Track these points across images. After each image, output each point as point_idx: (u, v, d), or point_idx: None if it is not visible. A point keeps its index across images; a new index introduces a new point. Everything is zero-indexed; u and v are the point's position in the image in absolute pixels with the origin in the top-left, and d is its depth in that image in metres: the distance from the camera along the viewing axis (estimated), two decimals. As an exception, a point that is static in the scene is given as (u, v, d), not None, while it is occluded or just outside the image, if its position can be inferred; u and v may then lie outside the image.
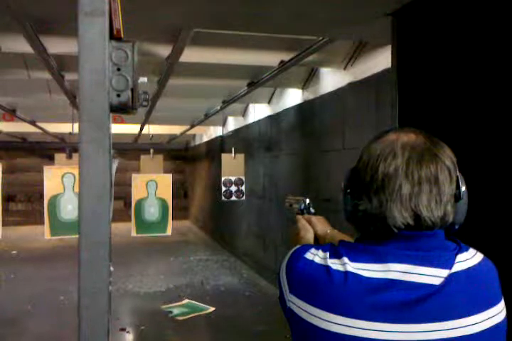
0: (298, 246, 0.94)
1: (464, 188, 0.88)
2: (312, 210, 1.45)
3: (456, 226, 0.89)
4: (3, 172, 5.40)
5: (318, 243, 1.37)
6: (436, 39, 1.75)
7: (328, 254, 0.86)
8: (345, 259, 0.83)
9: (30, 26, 2.87)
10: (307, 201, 1.45)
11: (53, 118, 7.39)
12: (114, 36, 0.71)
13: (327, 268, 0.84)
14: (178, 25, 2.81)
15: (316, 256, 0.87)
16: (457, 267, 0.83)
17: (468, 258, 0.85)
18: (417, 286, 0.80)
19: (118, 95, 0.70)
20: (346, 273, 0.82)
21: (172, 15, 2.54)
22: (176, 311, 5.14)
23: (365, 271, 0.82)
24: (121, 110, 0.72)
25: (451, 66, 1.72)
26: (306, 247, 0.91)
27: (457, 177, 0.87)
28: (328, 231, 1.38)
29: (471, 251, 0.87)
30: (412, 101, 1.75)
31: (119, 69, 0.69)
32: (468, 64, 1.66)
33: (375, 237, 0.86)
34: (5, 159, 10.29)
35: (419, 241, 0.84)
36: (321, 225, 1.41)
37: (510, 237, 1.49)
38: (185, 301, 5.49)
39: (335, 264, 0.84)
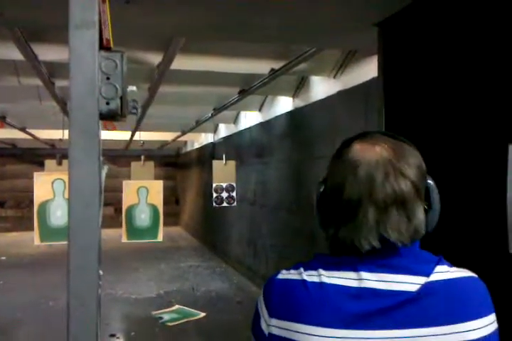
0: None
1: (436, 197, 0.87)
2: None
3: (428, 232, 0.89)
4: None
5: None
6: (421, 48, 1.80)
7: (302, 269, 0.87)
8: (321, 270, 0.85)
9: (21, 33, 2.90)
10: None
11: (44, 124, 7.37)
12: (103, 46, 0.73)
13: (302, 281, 0.85)
14: (169, 34, 2.84)
15: (288, 274, 0.89)
16: (436, 276, 0.83)
17: (450, 271, 0.85)
18: (393, 293, 0.81)
19: (107, 103, 0.72)
20: (322, 283, 0.83)
21: (163, 25, 2.57)
22: (166, 317, 5.12)
23: (340, 280, 0.83)
24: (111, 117, 0.74)
25: (435, 74, 1.76)
26: (276, 272, 0.92)
27: (426, 188, 0.86)
28: None
29: (455, 268, 0.86)
30: (398, 108, 1.79)
31: (108, 78, 0.72)
32: (452, 72, 1.71)
33: (344, 254, 0.87)
34: (-5, 165, 10.23)
35: (390, 254, 0.84)
36: None
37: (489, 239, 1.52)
38: (176, 307, 5.48)
39: (310, 276, 0.85)
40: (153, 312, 5.26)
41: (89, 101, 0.69)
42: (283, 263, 5.47)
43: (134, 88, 0.78)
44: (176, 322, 4.96)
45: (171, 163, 13.24)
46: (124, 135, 8.32)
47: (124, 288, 6.34)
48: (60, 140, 6.82)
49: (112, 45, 0.74)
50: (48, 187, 5.29)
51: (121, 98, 0.74)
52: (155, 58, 3.60)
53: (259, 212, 6.43)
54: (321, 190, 0.90)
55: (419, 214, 0.84)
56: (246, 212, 6.93)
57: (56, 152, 6.92)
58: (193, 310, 5.36)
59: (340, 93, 4.24)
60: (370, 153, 0.83)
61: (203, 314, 5.21)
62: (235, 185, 6.21)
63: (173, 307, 5.47)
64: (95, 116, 0.69)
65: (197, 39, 3.06)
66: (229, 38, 2.93)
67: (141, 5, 2.11)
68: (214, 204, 6.17)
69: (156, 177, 6.85)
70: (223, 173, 6.18)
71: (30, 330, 4.73)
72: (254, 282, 6.47)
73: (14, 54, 3.28)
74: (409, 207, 0.83)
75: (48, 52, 3.48)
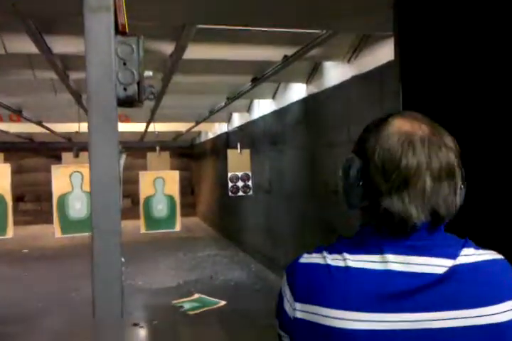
0: None
1: (464, 177, 0.87)
2: None
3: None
4: (11, 173, 5.46)
5: None
6: (439, 29, 1.76)
7: (325, 253, 0.86)
8: (346, 254, 0.84)
9: (35, 26, 2.90)
10: None
11: (59, 117, 7.43)
12: (119, 31, 0.73)
13: (327, 265, 0.84)
14: (182, 21, 2.83)
15: (310, 258, 0.88)
16: (463, 259, 0.82)
17: (477, 254, 0.84)
18: (418, 275, 0.80)
19: (125, 89, 0.72)
20: (347, 268, 0.82)
21: (175, 12, 2.55)
22: (187, 306, 5.18)
23: (365, 263, 0.82)
24: (128, 103, 0.74)
25: (454, 56, 1.72)
26: (298, 257, 0.91)
27: (462, 168, 0.87)
28: None
29: (482, 250, 0.86)
30: (416, 92, 1.75)
31: (125, 64, 0.71)
32: (471, 53, 1.67)
33: (384, 228, 0.85)
34: (13, 160, 10.37)
35: (423, 234, 0.83)
36: None
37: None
38: (197, 296, 5.54)
39: (335, 260, 0.84)
40: (174, 302, 5.32)
41: (106, 87, 0.68)
42: (300, 250, 5.45)
43: (151, 73, 0.78)
44: (197, 311, 5.02)
45: (186, 153, 13.28)
46: (138, 127, 8.36)
47: (144, 278, 6.41)
48: (77, 133, 6.87)
49: (127, 29, 0.74)
50: (66, 179, 5.35)
51: (138, 83, 0.73)
52: (167, 48, 3.59)
53: (275, 200, 6.43)
54: (357, 163, 0.86)
55: (460, 190, 0.85)
56: (262, 200, 6.93)
57: (73, 145, 6.98)
58: (212, 298, 5.40)
59: (354, 78, 4.19)
60: (419, 129, 0.84)
61: (223, 302, 5.25)
62: (250, 174, 6.21)
63: (194, 296, 5.52)
64: (113, 102, 0.69)
65: (210, 26, 3.03)
66: (243, 24, 2.90)
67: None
68: (230, 193, 6.19)
69: (172, 168, 6.89)
70: (238, 162, 6.19)
71: (53, 320, 4.83)
72: (273, 270, 6.49)
73: (28, 47, 3.29)
74: (456, 181, 0.84)
75: (62, 45, 3.49)
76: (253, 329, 4.46)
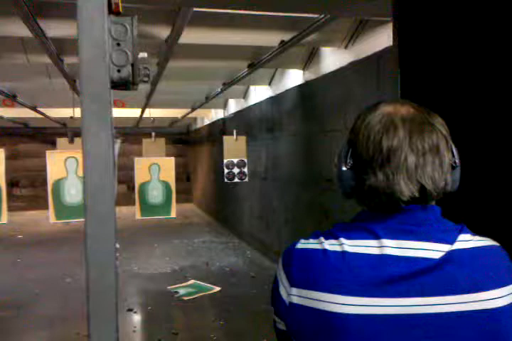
0: None
1: (457, 156, 0.90)
2: None
3: (451, 192, 0.90)
4: (6, 158, 5.42)
5: None
6: (439, 14, 1.73)
7: (322, 238, 0.86)
8: (342, 239, 0.84)
9: (28, 9, 2.85)
10: None
11: (54, 102, 7.37)
12: (112, 11, 0.70)
13: (324, 250, 0.84)
14: (177, 4, 2.78)
15: (307, 244, 0.88)
16: (459, 245, 0.82)
17: (473, 240, 0.84)
18: (415, 260, 0.80)
19: (118, 70, 0.70)
20: (344, 252, 0.82)
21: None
22: (182, 291, 5.20)
23: (362, 248, 0.82)
24: (122, 86, 0.72)
25: (454, 42, 1.70)
26: (294, 242, 0.91)
27: (451, 146, 0.88)
28: None
29: (478, 237, 0.86)
30: (415, 78, 1.74)
31: (118, 45, 0.69)
32: (472, 39, 1.65)
33: (377, 210, 0.87)
34: (7, 145, 10.30)
35: (415, 215, 0.84)
36: None
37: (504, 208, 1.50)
38: (191, 281, 5.56)
39: (332, 245, 0.84)
40: (169, 287, 5.34)
41: (99, 68, 0.66)
42: (296, 237, 5.48)
43: (145, 55, 0.76)
44: (192, 297, 5.04)
45: (182, 140, 13.24)
46: (133, 112, 8.30)
47: (140, 264, 6.43)
48: (71, 118, 6.82)
49: (121, 9, 0.71)
50: (61, 165, 5.32)
51: (132, 65, 0.71)
52: (163, 32, 3.54)
53: (271, 186, 6.43)
54: (347, 147, 0.90)
55: (448, 166, 0.87)
56: (257, 187, 6.93)
57: (68, 130, 6.93)
58: (208, 284, 5.43)
59: (352, 64, 4.16)
60: (403, 109, 0.87)
61: (217, 288, 5.28)
62: (246, 160, 6.19)
63: (189, 282, 5.55)
64: (106, 84, 0.67)
65: (206, 10, 2.99)
66: (239, 7, 2.86)
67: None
68: (225, 179, 6.18)
69: (167, 155, 6.86)
70: (234, 149, 6.17)
71: (48, 306, 4.84)
72: (268, 256, 6.53)
73: (21, 31, 3.24)
74: (442, 156, 0.85)
75: (55, 29, 3.43)
76: (247, 315, 4.49)
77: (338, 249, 0.83)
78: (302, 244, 0.89)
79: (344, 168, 0.89)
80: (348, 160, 0.89)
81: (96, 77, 0.66)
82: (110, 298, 0.65)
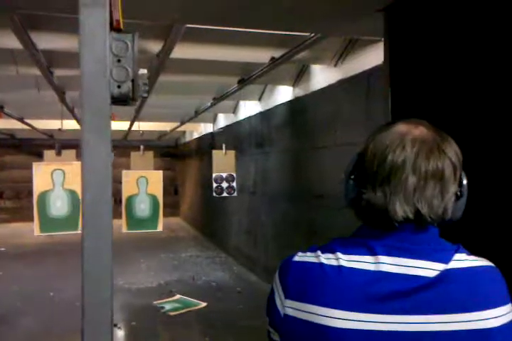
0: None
1: (466, 187, 0.89)
2: None
3: (452, 221, 0.89)
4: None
5: None
6: (429, 33, 1.77)
7: (319, 252, 0.87)
8: (339, 254, 0.84)
9: (19, 21, 2.85)
10: None
11: (42, 114, 7.33)
12: (113, 27, 0.71)
13: (320, 264, 0.85)
14: (169, 21, 2.81)
15: (304, 257, 0.88)
16: (455, 264, 0.83)
17: (468, 260, 0.85)
18: (410, 278, 0.81)
19: (119, 86, 0.71)
20: (340, 267, 0.83)
21: (163, 11, 2.53)
22: (167, 306, 5.14)
23: (358, 263, 0.83)
24: (122, 101, 0.73)
25: (444, 60, 1.74)
26: (292, 254, 0.92)
27: (460, 174, 0.88)
28: None
29: (474, 256, 0.87)
30: (406, 96, 1.77)
31: (119, 61, 0.70)
32: (461, 58, 1.69)
33: (373, 226, 0.87)
34: (-7, 156, 10.19)
35: (413, 235, 0.85)
36: None
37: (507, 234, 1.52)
38: (178, 296, 5.50)
39: (328, 259, 0.85)
40: (155, 302, 5.28)
41: (100, 84, 0.67)
42: (283, 252, 5.47)
43: (145, 71, 0.77)
44: (177, 312, 4.98)
45: (170, 153, 13.21)
46: (122, 125, 8.28)
47: (125, 278, 6.35)
48: (59, 130, 6.78)
49: (122, 26, 0.73)
50: (48, 177, 5.27)
51: (132, 81, 0.72)
52: (155, 47, 3.56)
53: (259, 202, 6.43)
54: (356, 159, 0.91)
55: (451, 195, 0.86)
56: (246, 202, 6.92)
57: (55, 142, 6.88)
58: (193, 299, 5.37)
59: (341, 82, 4.21)
60: (416, 130, 0.87)
61: (203, 304, 5.22)
62: (235, 175, 6.19)
63: (175, 297, 5.48)
64: (107, 100, 0.68)
65: (198, 26, 3.02)
66: (230, 24, 2.90)
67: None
68: (214, 194, 6.16)
69: (155, 168, 6.83)
70: (223, 163, 6.17)
71: (31, 320, 4.74)
72: (254, 272, 6.49)
73: (12, 42, 3.24)
74: (445, 185, 0.84)
75: (46, 41, 3.44)
76: (233, 331, 4.44)
77: (334, 263, 0.84)
78: (299, 257, 0.89)
79: (348, 178, 0.91)
80: (354, 171, 0.90)
81: (97, 92, 0.67)
82: (106, 311, 0.65)
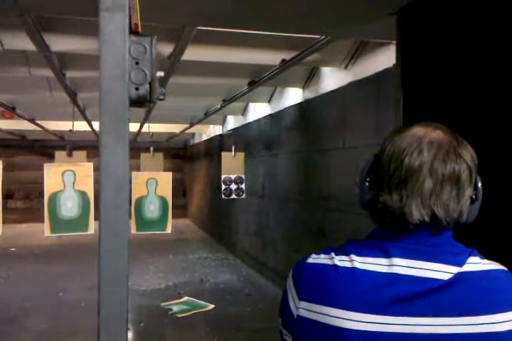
0: None
1: (480, 190, 0.89)
2: None
3: (466, 224, 0.89)
4: (2, 170, 5.40)
5: None
6: (442, 36, 1.77)
7: (333, 254, 0.87)
8: (353, 256, 0.85)
9: (33, 23, 2.88)
10: None
11: (53, 115, 7.39)
12: (132, 31, 0.72)
13: (334, 266, 0.85)
14: (180, 24, 2.82)
15: (318, 259, 0.89)
16: (468, 267, 0.83)
17: (482, 263, 0.85)
18: (423, 280, 0.81)
19: (136, 88, 0.71)
20: (354, 269, 0.83)
21: (174, 14, 2.55)
22: (175, 308, 5.15)
23: (371, 266, 0.83)
24: (139, 103, 0.73)
25: (457, 64, 1.73)
26: (305, 256, 0.92)
27: (476, 178, 0.88)
28: None
29: (487, 260, 0.87)
30: (417, 100, 1.77)
31: (137, 63, 0.71)
32: (474, 61, 1.68)
33: (388, 228, 0.88)
34: (4, 157, 10.28)
35: (428, 237, 0.85)
36: None
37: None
38: (185, 298, 5.51)
39: (342, 261, 0.85)
40: (163, 304, 5.29)
41: (119, 86, 0.68)
42: (292, 255, 5.47)
43: (162, 74, 0.77)
44: (185, 314, 4.99)
45: (179, 154, 13.25)
46: (132, 126, 8.32)
47: (133, 279, 6.37)
48: (70, 131, 6.82)
49: (140, 29, 0.73)
50: (58, 178, 5.31)
51: (150, 84, 0.73)
52: (166, 49, 3.58)
53: (268, 204, 6.43)
54: (372, 161, 0.91)
55: (467, 199, 0.86)
56: (254, 204, 6.93)
57: (65, 143, 6.93)
58: (201, 301, 5.38)
59: (351, 84, 4.21)
60: (433, 133, 0.87)
61: (211, 306, 5.23)
62: (243, 177, 6.20)
63: (182, 299, 5.49)
64: (125, 102, 0.69)
65: (209, 28, 3.03)
66: (242, 26, 2.91)
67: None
68: (223, 196, 6.18)
69: (165, 170, 6.86)
70: (232, 165, 6.18)
71: (40, 320, 4.78)
72: (263, 274, 6.48)
73: (25, 44, 3.27)
74: (461, 188, 0.85)
75: (59, 43, 3.47)
76: (241, 333, 4.44)
77: (348, 265, 0.85)
78: (313, 259, 0.90)
79: (364, 180, 0.91)
80: (370, 173, 0.90)
81: (115, 95, 0.68)
82: (121, 314, 0.65)
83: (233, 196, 6.13)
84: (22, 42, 3.29)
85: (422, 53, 1.77)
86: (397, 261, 0.83)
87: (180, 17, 2.66)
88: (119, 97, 0.68)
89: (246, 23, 2.81)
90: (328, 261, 0.87)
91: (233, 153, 6.21)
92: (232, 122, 8.41)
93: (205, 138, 10.82)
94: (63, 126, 7.88)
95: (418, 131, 0.88)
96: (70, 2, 2.10)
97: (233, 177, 6.13)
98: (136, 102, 0.72)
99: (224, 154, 6.24)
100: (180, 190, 12.77)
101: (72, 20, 3.18)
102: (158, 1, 2.32)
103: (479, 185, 0.89)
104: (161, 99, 0.77)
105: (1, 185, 5.30)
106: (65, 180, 5.31)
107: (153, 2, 2.36)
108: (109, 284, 0.65)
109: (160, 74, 0.82)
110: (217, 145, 9.04)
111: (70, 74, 4.32)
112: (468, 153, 0.87)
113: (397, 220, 0.85)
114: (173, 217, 6.53)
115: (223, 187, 6.08)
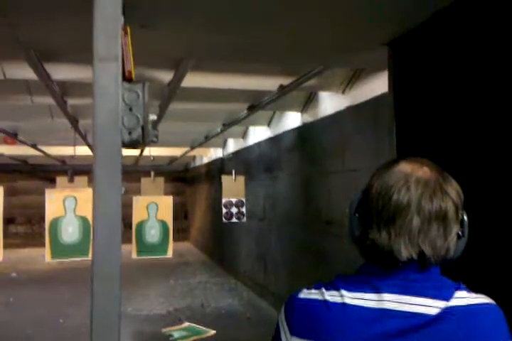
0: None
1: (467, 226, 0.90)
2: None
3: (452, 260, 0.91)
4: (4, 195, 5.43)
5: None
6: (433, 67, 1.81)
7: (323, 289, 0.89)
8: (343, 291, 0.86)
9: (35, 55, 2.95)
10: None
11: (55, 141, 7.44)
12: (125, 78, 0.75)
13: (325, 301, 0.87)
14: (181, 55, 2.88)
15: (310, 294, 0.90)
16: (455, 302, 0.84)
17: (469, 297, 0.86)
18: (412, 315, 0.82)
19: (129, 133, 0.74)
20: (344, 304, 0.85)
21: (172, 47, 2.61)
22: (176, 335, 5.09)
23: (361, 301, 0.85)
24: (132, 146, 0.76)
25: (447, 92, 1.77)
26: (297, 291, 0.93)
27: (462, 214, 0.90)
28: None
29: (474, 294, 0.88)
30: (410, 128, 1.80)
31: (130, 109, 0.74)
32: (464, 90, 1.72)
33: (376, 263, 0.89)
34: (6, 182, 10.32)
35: (416, 273, 0.87)
36: None
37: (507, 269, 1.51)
38: (186, 324, 5.45)
39: (333, 296, 0.87)
40: (163, 330, 5.23)
41: (112, 131, 0.71)
42: (293, 278, 5.44)
43: (155, 117, 0.80)
44: (186, 340, 4.93)
45: (180, 177, 13.27)
46: (133, 151, 8.37)
47: (134, 304, 6.32)
48: (72, 157, 6.88)
49: (133, 76, 0.77)
50: (60, 204, 5.33)
51: (142, 127, 0.76)
52: (165, 76, 3.64)
53: (269, 227, 6.42)
54: (361, 197, 0.92)
55: (454, 235, 0.88)
56: (255, 227, 6.91)
57: (67, 168, 6.98)
58: (202, 327, 5.32)
59: (349, 108, 4.26)
60: (420, 170, 0.88)
61: (212, 332, 5.17)
62: (244, 200, 6.21)
63: (183, 325, 5.44)
64: (118, 146, 0.71)
65: (208, 59, 3.10)
66: (240, 58, 2.96)
67: (156, 28, 2.15)
68: (224, 219, 6.17)
69: (165, 192, 6.87)
70: (233, 188, 6.20)
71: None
72: (265, 298, 6.43)
73: (27, 73, 3.33)
74: (448, 226, 0.86)
75: (60, 71, 3.53)
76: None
77: (338, 300, 0.86)
78: (304, 294, 0.91)
79: (353, 215, 0.93)
80: (359, 209, 0.92)
81: (109, 139, 0.71)
82: (113, 336, 0.66)
83: (234, 219, 6.13)
84: (23, 71, 3.35)
85: (413, 82, 1.81)
86: (386, 296, 0.85)
87: (178, 51, 2.72)
88: (112, 141, 0.71)
89: (241, 55, 2.87)
90: (318, 296, 0.88)
91: (234, 176, 6.24)
92: (232, 145, 8.46)
93: (206, 160, 10.86)
94: (65, 150, 7.93)
95: (405, 167, 0.89)
96: (68, 35, 2.16)
97: (234, 200, 6.14)
98: (129, 145, 0.75)
99: (224, 177, 6.27)
100: (181, 212, 12.76)
101: (72, 51, 3.25)
102: (160, 34, 2.38)
103: (465, 221, 0.90)
104: (153, 142, 0.79)
105: (3, 210, 5.32)
106: (66, 206, 5.33)
107: (154, 35, 2.43)
108: (100, 306, 0.66)
109: (153, 117, 0.85)
110: (218, 168, 9.07)
111: (71, 101, 4.38)
112: (453, 190, 0.88)
113: (385, 257, 0.87)
114: (174, 240, 6.52)
115: (224, 210, 6.09)
